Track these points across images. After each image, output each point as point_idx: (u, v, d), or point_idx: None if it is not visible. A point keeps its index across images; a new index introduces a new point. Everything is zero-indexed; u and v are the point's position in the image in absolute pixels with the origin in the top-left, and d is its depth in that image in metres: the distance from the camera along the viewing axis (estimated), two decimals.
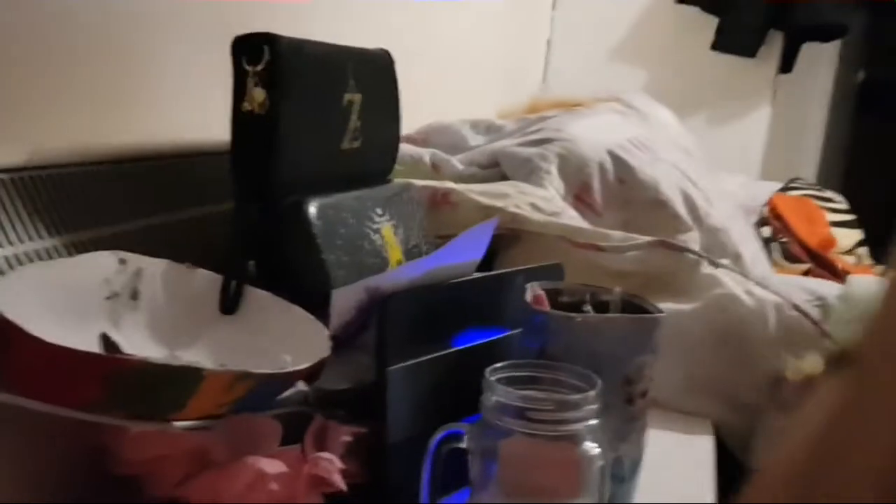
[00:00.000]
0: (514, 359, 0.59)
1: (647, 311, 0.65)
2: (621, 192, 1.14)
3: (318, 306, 0.64)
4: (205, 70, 0.84)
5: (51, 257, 0.66)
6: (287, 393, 0.60)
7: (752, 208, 1.57)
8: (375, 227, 0.80)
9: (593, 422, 0.54)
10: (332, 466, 0.54)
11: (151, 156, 0.82)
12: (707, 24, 2.28)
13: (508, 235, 0.98)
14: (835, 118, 2.41)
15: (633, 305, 0.66)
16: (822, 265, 1.45)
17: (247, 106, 0.70)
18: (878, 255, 1.54)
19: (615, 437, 0.61)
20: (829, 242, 1.55)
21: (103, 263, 0.63)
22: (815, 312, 0.90)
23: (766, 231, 1.54)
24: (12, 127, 0.68)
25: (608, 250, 0.96)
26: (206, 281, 0.69)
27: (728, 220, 1.21)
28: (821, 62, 2.29)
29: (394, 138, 0.90)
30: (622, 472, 0.64)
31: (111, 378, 0.47)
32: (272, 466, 0.52)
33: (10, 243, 0.64)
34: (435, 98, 1.43)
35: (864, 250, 1.57)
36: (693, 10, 2.29)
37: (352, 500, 0.56)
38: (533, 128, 1.22)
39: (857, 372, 0.31)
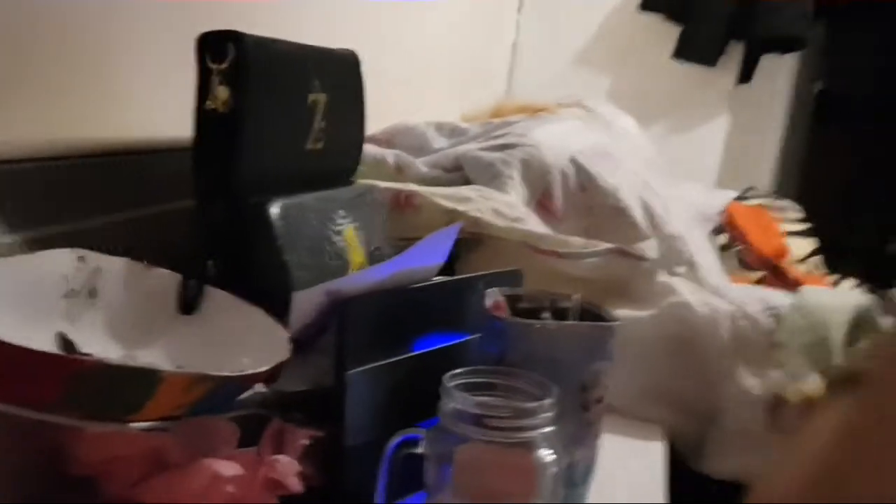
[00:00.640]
0: (473, 364, 0.59)
1: (603, 319, 0.66)
2: (583, 199, 1.15)
3: (278, 307, 0.64)
4: (168, 66, 0.83)
5: (8, 254, 0.65)
6: (245, 394, 0.60)
7: (709, 216, 1.59)
8: (338, 228, 0.80)
9: (549, 429, 0.55)
10: (288, 469, 0.54)
11: (111, 152, 0.81)
12: (669, 33, 2.32)
13: (471, 239, 0.98)
14: (791, 128, 2.46)
15: (590, 313, 0.67)
16: (777, 274, 1.47)
17: (210, 104, 0.69)
18: (832, 265, 1.58)
19: (570, 443, 0.62)
20: (784, 251, 1.58)
21: (61, 261, 0.63)
22: (767, 322, 0.92)
23: (723, 238, 1.56)
24: None
25: (567, 257, 0.97)
26: (166, 280, 0.68)
27: (685, 229, 1.23)
28: (779, 73, 2.33)
29: (358, 140, 0.89)
30: (575, 477, 0.66)
31: (69, 378, 0.47)
32: (228, 468, 0.52)
33: None
34: (400, 99, 1.44)
35: (817, 259, 1.60)
36: (656, 19, 2.33)
37: (308, 502, 0.56)
38: (497, 132, 1.23)
39: (861, 395, 0.31)
